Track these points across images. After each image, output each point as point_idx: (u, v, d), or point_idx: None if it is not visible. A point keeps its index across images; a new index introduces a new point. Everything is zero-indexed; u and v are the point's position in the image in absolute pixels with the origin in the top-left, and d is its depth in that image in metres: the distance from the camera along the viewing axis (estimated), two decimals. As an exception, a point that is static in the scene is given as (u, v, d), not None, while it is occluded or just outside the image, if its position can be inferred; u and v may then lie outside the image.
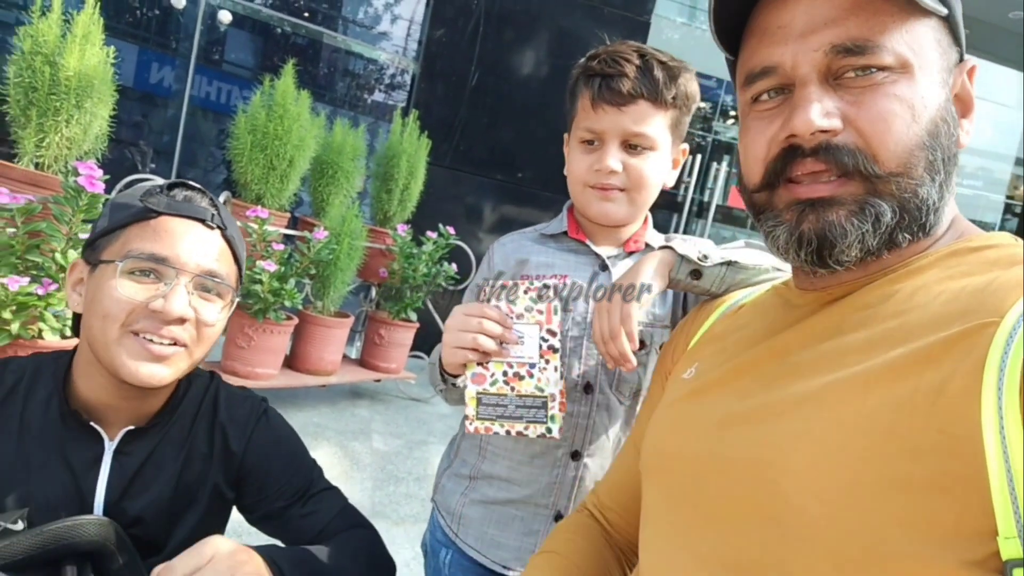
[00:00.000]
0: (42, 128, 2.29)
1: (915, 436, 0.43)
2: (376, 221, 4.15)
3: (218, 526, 0.97)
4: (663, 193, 1.09)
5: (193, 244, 0.81)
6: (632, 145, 0.99)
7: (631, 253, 1.07)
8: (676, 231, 7.22)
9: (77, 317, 0.89)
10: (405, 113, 4.45)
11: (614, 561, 0.82)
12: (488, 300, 0.91)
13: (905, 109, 0.53)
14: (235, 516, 1.01)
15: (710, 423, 0.61)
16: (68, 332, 2.09)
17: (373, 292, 4.17)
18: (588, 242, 1.07)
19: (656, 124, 0.98)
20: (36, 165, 2.34)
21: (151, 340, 0.79)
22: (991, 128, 8.88)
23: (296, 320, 3.38)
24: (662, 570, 0.62)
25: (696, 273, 0.89)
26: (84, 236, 2.05)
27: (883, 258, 0.57)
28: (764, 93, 0.60)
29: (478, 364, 0.90)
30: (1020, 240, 0.55)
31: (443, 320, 4.19)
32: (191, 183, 0.86)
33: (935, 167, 0.54)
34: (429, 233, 3.94)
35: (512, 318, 0.90)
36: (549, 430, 0.90)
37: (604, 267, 1.05)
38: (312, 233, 3.26)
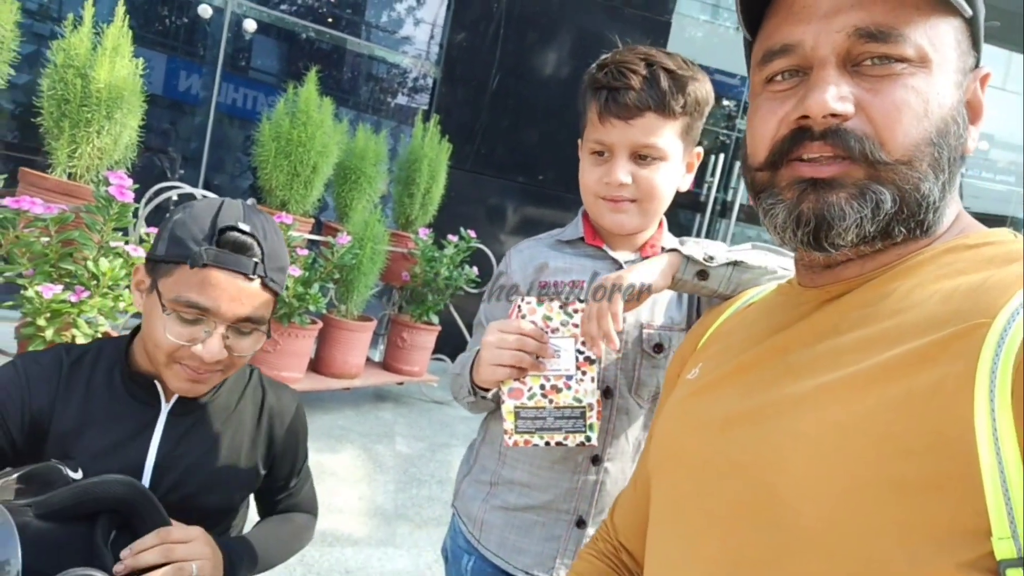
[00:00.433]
0: (74, 139, 2.36)
1: (909, 437, 0.43)
2: (398, 225, 4.19)
3: (245, 502, 1.11)
4: (686, 193, 1.09)
5: (233, 296, 0.90)
6: (642, 156, 0.99)
7: (646, 258, 1.06)
8: (699, 231, 7.17)
9: None
10: (426, 117, 4.49)
11: None
12: (523, 317, 0.92)
13: (919, 102, 0.53)
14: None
15: (712, 423, 0.61)
16: (101, 338, 2.14)
17: (395, 296, 4.21)
18: (605, 247, 1.07)
19: (665, 134, 0.98)
20: (69, 175, 2.41)
21: (190, 368, 0.92)
22: (1022, 122, 8.67)
23: (320, 324, 3.43)
24: (664, 570, 0.62)
25: (703, 274, 0.89)
26: (115, 244, 2.11)
27: (881, 255, 0.57)
28: (779, 74, 0.59)
29: (515, 379, 0.92)
30: (1019, 236, 0.55)
31: (465, 323, 4.23)
32: (241, 227, 0.90)
33: (940, 165, 0.54)
34: (450, 236, 3.96)
35: (547, 332, 0.91)
36: (588, 438, 0.92)
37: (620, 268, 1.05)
38: (335, 238, 3.30)
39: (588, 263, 1.07)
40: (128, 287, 2.17)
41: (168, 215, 0.92)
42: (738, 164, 6.70)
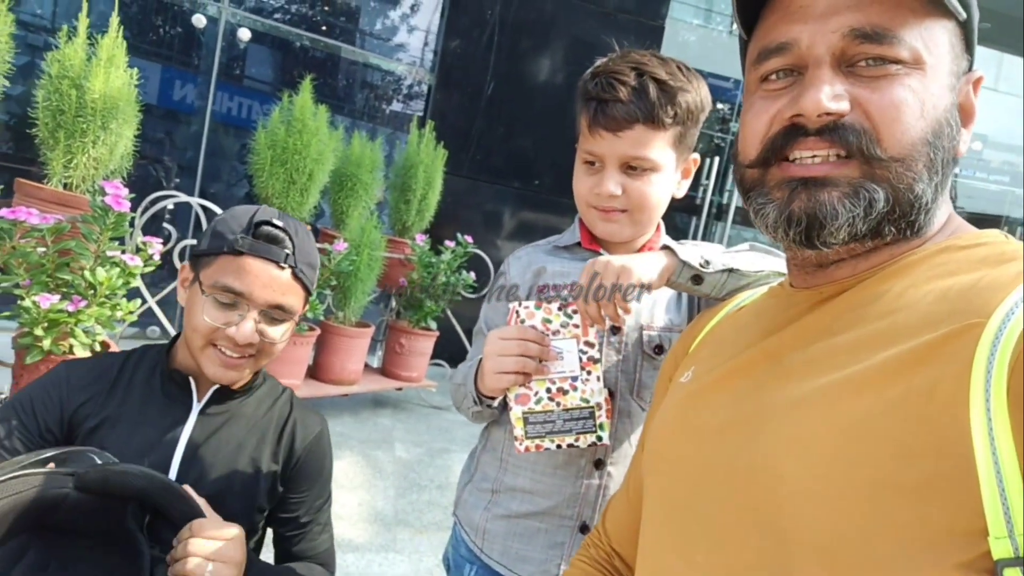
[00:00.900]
0: (70, 149, 2.36)
1: (906, 439, 0.43)
2: (395, 231, 4.19)
3: (262, 528, 1.11)
4: (681, 197, 1.09)
5: (265, 283, 0.97)
6: (632, 167, 0.99)
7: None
8: (695, 234, 7.18)
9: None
10: (422, 124, 4.50)
11: None
12: (523, 322, 0.92)
13: (915, 102, 0.53)
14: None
15: (706, 428, 0.61)
16: (98, 348, 2.14)
17: (393, 302, 4.21)
18: (602, 252, 1.07)
19: (656, 146, 0.97)
20: (64, 185, 2.41)
21: (226, 352, 0.98)
22: (1017, 123, 8.72)
23: (318, 331, 3.43)
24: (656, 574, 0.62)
25: (697, 279, 0.89)
26: (112, 254, 2.11)
27: (873, 256, 0.57)
28: (774, 73, 0.59)
29: (521, 386, 0.92)
30: (1010, 237, 0.55)
31: (463, 328, 4.22)
32: (275, 222, 0.99)
33: (934, 166, 0.54)
34: (447, 242, 3.97)
35: (548, 335, 0.91)
36: (600, 438, 0.92)
37: None
38: (332, 245, 3.31)
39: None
40: (125, 296, 2.18)
41: (210, 223, 1.03)
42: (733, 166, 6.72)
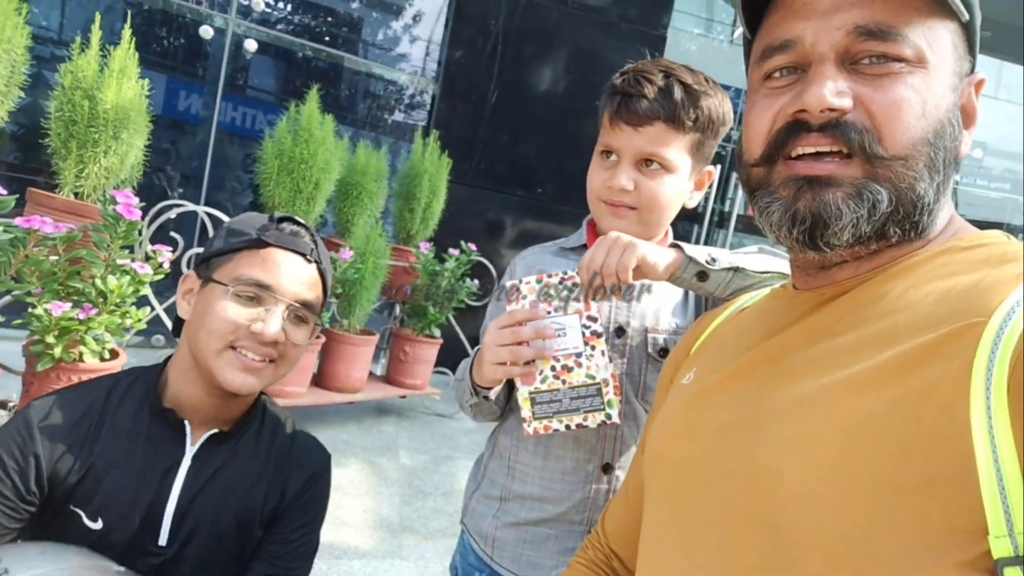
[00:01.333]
0: (82, 159, 2.39)
1: (906, 439, 0.44)
2: (399, 240, 4.22)
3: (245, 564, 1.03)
4: (693, 207, 1.09)
5: (293, 275, 0.93)
6: (647, 164, 0.99)
7: None
8: (697, 242, 7.20)
9: (178, 322, 1.03)
10: (426, 133, 4.54)
11: None
12: (524, 298, 0.91)
13: (917, 100, 0.53)
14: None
15: (708, 429, 0.61)
16: (107, 355, 2.17)
17: (397, 310, 4.23)
18: None
19: (673, 147, 0.98)
20: (76, 195, 2.44)
21: (246, 355, 0.92)
22: (1017, 130, 8.76)
23: (323, 339, 3.45)
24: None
25: (702, 275, 0.89)
26: (122, 262, 2.14)
27: (875, 257, 0.57)
28: (778, 70, 0.59)
29: (526, 363, 0.90)
30: (1012, 238, 0.55)
31: (467, 336, 4.24)
32: (297, 219, 0.97)
33: (935, 166, 0.54)
34: (451, 250, 4.00)
35: (550, 311, 0.90)
36: (608, 416, 0.90)
37: None
38: (338, 253, 3.34)
39: None
40: (135, 304, 2.20)
41: (219, 226, 1.00)
42: (735, 175, 6.75)
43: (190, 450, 0.96)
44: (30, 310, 1.96)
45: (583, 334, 0.90)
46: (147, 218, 2.93)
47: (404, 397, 4.06)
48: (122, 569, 0.87)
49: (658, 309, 1.05)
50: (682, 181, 1.01)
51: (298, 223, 0.97)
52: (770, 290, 0.75)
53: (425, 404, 4.44)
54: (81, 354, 2.12)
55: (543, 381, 0.90)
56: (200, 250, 3.10)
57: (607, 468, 1.02)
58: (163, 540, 0.93)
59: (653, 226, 1.03)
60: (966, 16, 0.55)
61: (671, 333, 1.03)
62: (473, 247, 4.07)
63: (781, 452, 0.51)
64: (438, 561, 2.52)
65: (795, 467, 0.49)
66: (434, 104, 5.50)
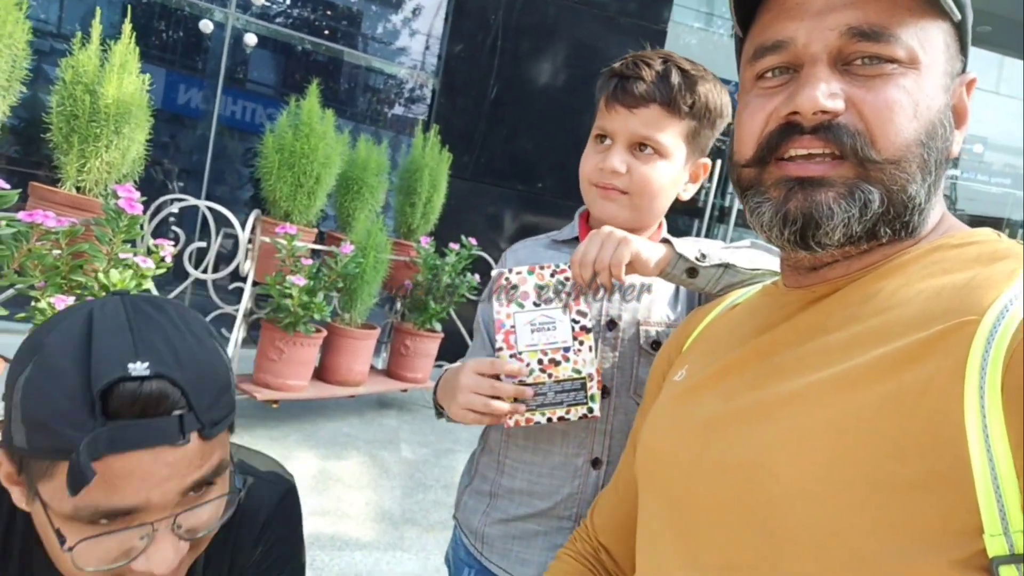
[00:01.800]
0: (83, 154, 2.40)
1: (899, 436, 0.43)
2: (400, 234, 4.23)
3: None
4: (687, 199, 1.08)
5: (164, 478, 0.59)
6: (641, 148, 0.98)
7: None
8: (697, 236, 7.21)
9: None
10: (426, 127, 4.54)
11: None
12: (515, 288, 0.90)
13: (909, 102, 0.53)
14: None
15: (699, 425, 0.61)
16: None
17: (398, 304, 4.25)
18: None
19: (668, 131, 0.97)
20: (78, 189, 2.45)
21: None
22: (1018, 125, 8.75)
23: (325, 332, 3.47)
24: (654, 574, 0.62)
25: (692, 272, 0.89)
26: (124, 256, 2.15)
27: (866, 256, 0.58)
28: (770, 71, 0.59)
29: (511, 356, 0.90)
30: (1003, 236, 0.55)
31: (468, 330, 4.27)
32: (135, 372, 0.56)
33: (927, 167, 0.54)
34: (452, 244, 4.01)
35: (539, 303, 0.90)
36: (591, 410, 0.90)
37: None
38: (339, 247, 3.35)
39: None
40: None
41: (9, 384, 0.59)
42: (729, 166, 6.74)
43: None
44: (33, 304, 1.97)
45: (572, 328, 0.90)
46: (148, 212, 2.94)
47: (405, 391, 4.07)
48: None
49: (651, 302, 1.04)
50: (675, 168, 1.00)
51: (141, 378, 0.57)
52: (761, 287, 0.75)
53: (426, 398, 4.46)
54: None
55: (530, 375, 0.90)
56: (203, 244, 3.12)
57: (596, 463, 1.02)
58: None
59: (644, 212, 1.02)
60: (958, 16, 0.55)
61: (664, 326, 1.03)
62: (474, 241, 4.08)
63: (773, 449, 0.51)
64: (439, 553, 2.54)
65: (787, 465, 0.49)
66: (434, 98, 5.50)
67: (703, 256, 0.88)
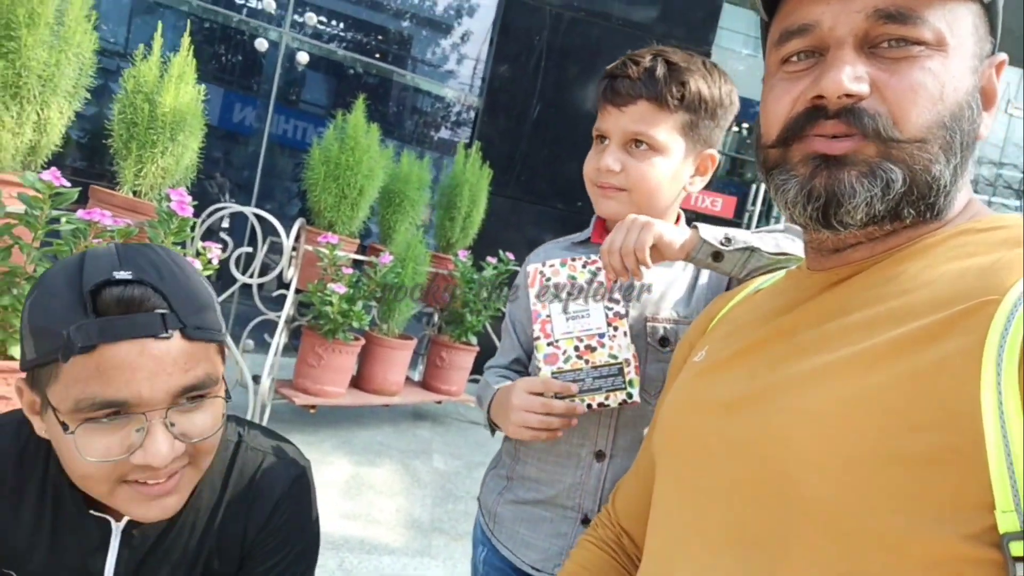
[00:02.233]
0: (140, 159, 2.52)
1: (915, 412, 0.44)
2: (439, 247, 4.30)
3: None
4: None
5: (152, 371, 0.64)
6: (636, 145, 0.99)
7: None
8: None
9: None
10: (468, 146, 4.62)
11: None
12: (549, 280, 0.93)
13: (935, 85, 0.53)
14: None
15: (717, 404, 0.61)
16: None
17: (435, 316, 4.30)
18: None
19: (660, 126, 0.97)
20: (135, 193, 2.57)
21: (147, 482, 0.68)
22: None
23: (363, 341, 3.53)
24: (667, 550, 0.62)
25: (717, 256, 0.89)
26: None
27: (890, 238, 0.57)
28: (795, 55, 0.59)
29: (548, 345, 0.93)
30: None
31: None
32: (117, 275, 0.65)
33: (952, 149, 0.54)
34: (490, 259, 4.05)
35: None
36: (630, 395, 0.91)
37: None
38: (378, 258, 3.42)
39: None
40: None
41: (22, 315, 0.67)
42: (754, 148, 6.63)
43: (116, 527, 0.76)
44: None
45: (606, 315, 0.92)
46: (200, 219, 3.06)
47: (440, 403, 4.10)
48: None
49: (659, 299, 1.04)
50: (673, 163, 1.00)
51: (124, 282, 0.65)
52: (786, 272, 0.75)
53: (460, 411, 4.48)
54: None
55: (566, 361, 0.92)
56: (250, 249, 3.23)
57: (600, 455, 1.02)
58: None
59: (645, 208, 1.01)
60: None
61: (671, 322, 1.02)
62: (511, 256, 4.12)
63: (789, 424, 0.51)
64: (465, 561, 2.54)
65: (802, 438, 0.49)
66: (477, 118, 5.59)
67: (728, 240, 0.89)
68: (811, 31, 0.57)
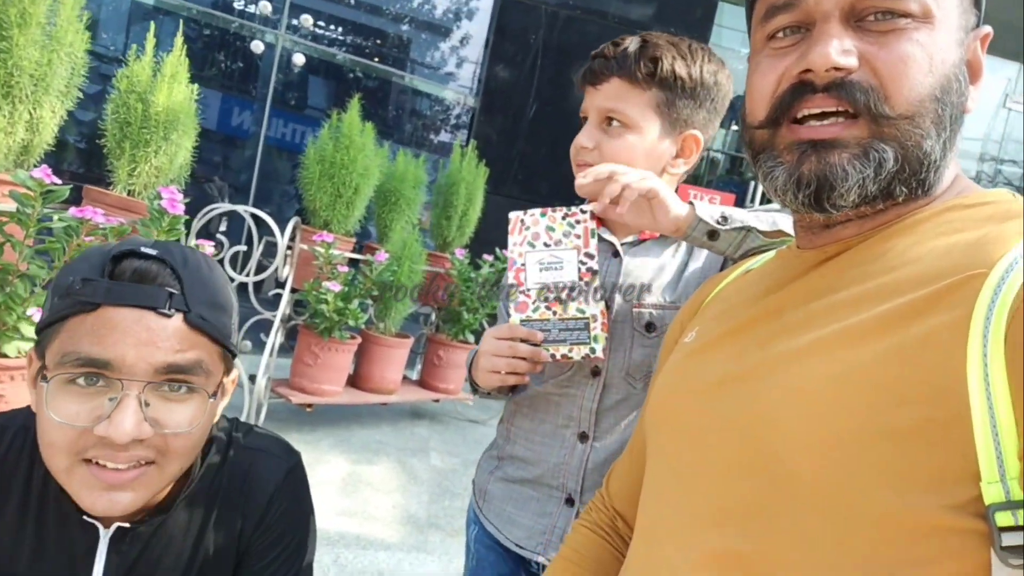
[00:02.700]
0: (134, 159, 2.53)
1: (901, 386, 0.44)
2: (436, 246, 4.31)
3: None
4: (680, 175, 1.06)
5: (143, 340, 0.64)
6: (609, 123, 0.99)
7: (643, 241, 1.06)
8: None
9: None
10: (464, 144, 4.63)
11: None
12: (528, 228, 0.93)
13: (924, 57, 0.52)
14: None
15: (706, 383, 0.61)
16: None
17: (433, 316, 4.30)
18: (602, 229, 1.06)
19: (634, 103, 0.97)
20: (128, 192, 2.58)
21: (106, 465, 0.65)
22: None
23: (359, 340, 3.53)
24: (654, 528, 0.62)
25: (713, 235, 0.89)
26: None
27: (880, 215, 0.57)
28: (781, 30, 0.58)
29: (520, 292, 0.94)
30: (1018, 196, 0.54)
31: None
32: (145, 249, 0.68)
33: (942, 123, 0.53)
34: (486, 256, 4.05)
35: (550, 244, 0.92)
36: (593, 350, 0.92)
37: (616, 254, 1.05)
38: (374, 256, 3.42)
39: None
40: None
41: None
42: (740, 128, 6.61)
43: (104, 534, 0.74)
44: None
45: (579, 269, 0.92)
46: (194, 222, 3.06)
47: (437, 401, 4.11)
48: None
49: (647, 285, 1.04)
50: (646, 141, 0.99)
51: (148, 255, 0.68)
52: (776, 252, 0.74)
53: (458, 409, 4.48)
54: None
55: (535, 311, 0.94)
56: (244, 247, 3.24)
57: (583, 437, 1.03)
58: None
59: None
60: None
61: (657, 308, 1.02)
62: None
63: (777, 402, 0.51)
64: (461, 557, 2.53)
65: (790, 416, 0.49)
66: (473, 118, 5.61)
67: (724, 219, 0.88)
68: (797, 6, 0.56)
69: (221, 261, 3.00)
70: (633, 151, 0.99)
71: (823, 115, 0.55)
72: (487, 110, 5.42)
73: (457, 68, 6.97)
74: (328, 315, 3.20)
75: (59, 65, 2.16)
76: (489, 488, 1.12)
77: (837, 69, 0.53)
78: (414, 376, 4.29)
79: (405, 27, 7.08)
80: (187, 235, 2.72)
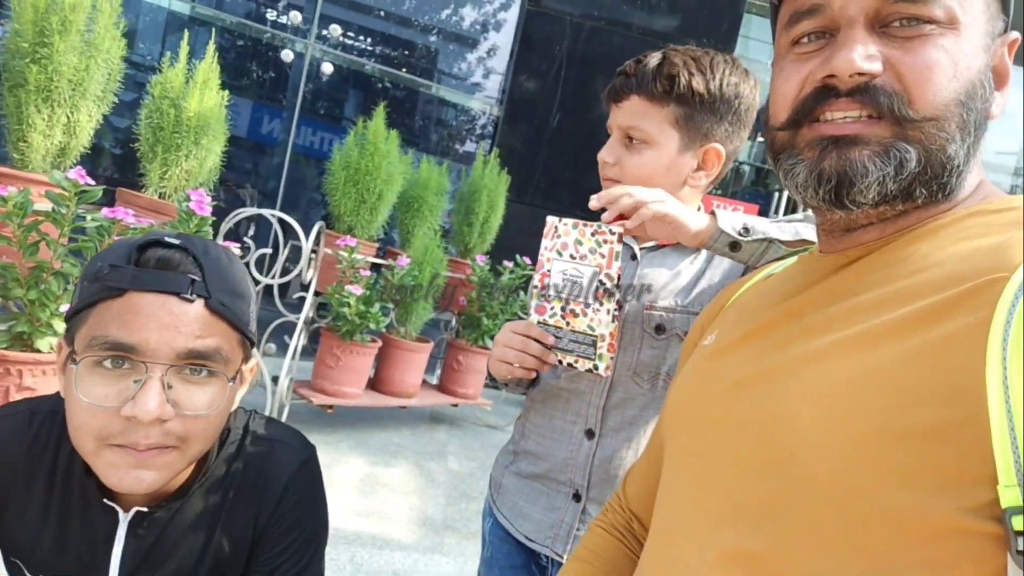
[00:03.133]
0: (165, 162, 2.61)
1: (919, 388, 0.44)
2: (457, 252, 4.35)
3: None
4: (702, 188, 1.07)
5: (165, 324, 0.68)
6: (630, 139, 1.02)
7: (662, 247, 1.08)
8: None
9: None
10: (487, 152, 4.68)
11: None
12: (559, 236, 0.95)
13: (949, 62, 0.52)
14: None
15: (725, 384, 0.61)
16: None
17: (453, 321, 4.34)
18: (632, 246, 1.09)
19: (653, 119, 1.00)
20: (160, 195, 2.66)
21: (135, 445, 0.69)
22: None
23: (380, 343, 3.58)
24: (670, 527, 0.62)
25: (735, 245, 0.90)
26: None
27: (901, 219, 0.57)
28: (806, 36, 0.58)
29: (540, 295, 0.98)
30: None
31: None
32: (168, 239, 0.73)
33: (967, 127, 0.53)
34: (506, 263, 4.08)
35: (576, 257, 0.95)
36: (596, 367, 0.95)
37: (633, 257, 1.08)
38: (396, 261, 3.48)
39: None
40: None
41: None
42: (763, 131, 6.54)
43: (124, 517, 0.78)
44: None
45: (596, 288, 0.94)
46: (222, 225, 3.14)
47: (456, 406, 4.14)
48: None
49: (661, 288, 1.06)
50: (666, 156, 1.01)
51: (169, 245, 0.72)
52: (797, 256, 0.75)
53: (477, 415, 4.51)
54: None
55: (551, 316, 0.97)
56: (270, 251, 3.31)
57: (590, 434, 1.06)
58: None
59: None
60: None
61: (668, 310, 1.03)
62: (528, 261, 4.15)
63: (794, 402, 0.51)
64: (476, 559, 2.55)
65: (808, 417, 0.49)
66: (497, 127, 5.66)
67: (747, 230, 0.90)
68: (821, 11, 0.57)
69: (247, 263, 3.07)
70: (652, 166, 1.01)
71: (845, 118, 0.55)
72: (511, 119, 5.46)
73: (483, 78, 7.05)
74: (350, 318, 3.26)
75: (96, 71, 2.25)
76: (503, 482, 1.16)
77: (861, 74, 0.53)
78: (433, 380, 4.33)
79: (432, 38, 7.18)
80: (215, 237, 2.79)
